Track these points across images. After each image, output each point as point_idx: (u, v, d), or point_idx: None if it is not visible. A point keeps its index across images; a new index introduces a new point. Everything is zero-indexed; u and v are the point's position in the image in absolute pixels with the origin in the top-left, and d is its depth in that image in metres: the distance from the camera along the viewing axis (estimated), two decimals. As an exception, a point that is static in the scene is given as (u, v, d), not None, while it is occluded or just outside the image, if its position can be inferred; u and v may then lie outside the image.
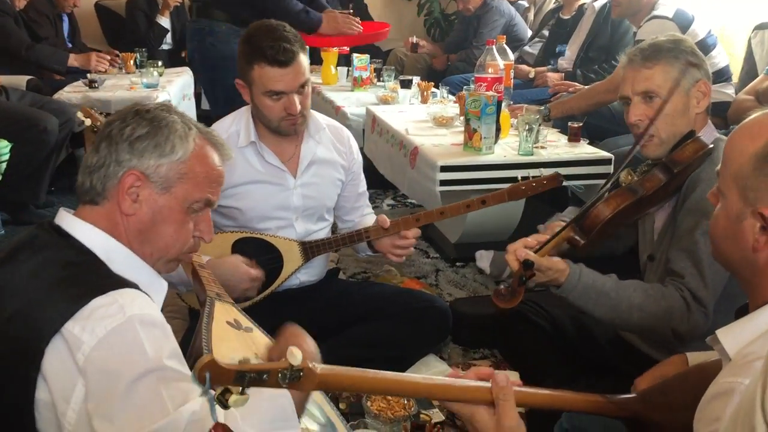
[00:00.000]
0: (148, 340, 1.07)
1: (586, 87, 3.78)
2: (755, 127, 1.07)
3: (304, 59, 2.06)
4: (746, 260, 1.04)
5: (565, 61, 4.47)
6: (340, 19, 3.35)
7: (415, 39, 5.44)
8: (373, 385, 1.08)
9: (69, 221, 1.24)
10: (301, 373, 0.95)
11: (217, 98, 3.28)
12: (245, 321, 1.61)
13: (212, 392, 0.89)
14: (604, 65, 4.18)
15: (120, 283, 1.14)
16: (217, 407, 0.91)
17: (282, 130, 2.11)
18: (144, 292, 1.17)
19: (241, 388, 0.91)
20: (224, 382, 0.90)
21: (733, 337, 1.02)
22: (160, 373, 1.06)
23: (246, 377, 0.91)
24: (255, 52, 2.01)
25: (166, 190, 1.25)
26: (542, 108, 3.40)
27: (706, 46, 3.31)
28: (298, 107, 2.06)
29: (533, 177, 2.19)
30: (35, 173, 3.69)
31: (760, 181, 1.00)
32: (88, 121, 2.18)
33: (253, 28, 2.08)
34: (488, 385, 1.08)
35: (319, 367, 0.98)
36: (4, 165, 3.48)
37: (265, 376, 0.92)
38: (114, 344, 1.05)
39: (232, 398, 0.91)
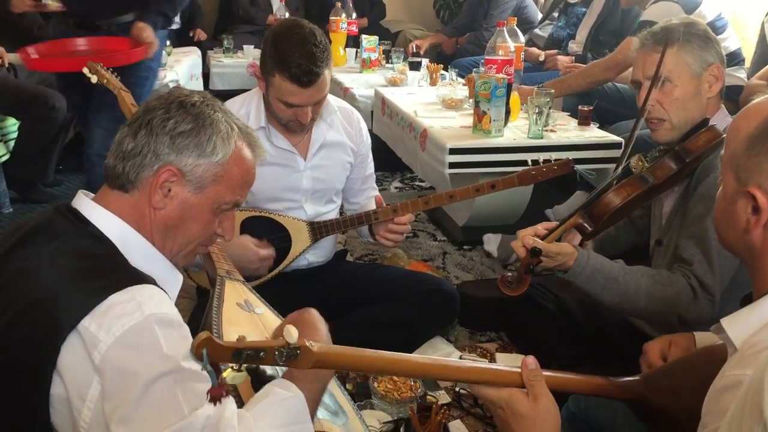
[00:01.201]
0: (166, 340, 1.05)
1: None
2: (752, 110, 1.10)
3: (327, 75, 2.01)
4: (743, 243, 1.04)
5: (576, 45, 4.44)
6: None
7: (414, 47, 5.39)
8: (371, 364, 1.07)
9: (88, 206, 1.21)
10: (298, 351, 0.96)
11: None
12: (256, 301, 1.61)
13: (210, 367, 0.90)
14: (615, 48, 4.14)
15: (138, 278, 1.12)
16: (227, 399, 0.91)
17: (290, 128, 2.12)
18: (159, 286, 1.15)
19: (238, 365, 0.91)
20: (222, 359, 0.91)
21: (738, 326, 1.01)
22: (176, 375, 1.03)
23: (243, 354, 0.91)
24: (280, 63, 1.95)
25: (199, 190, 1.23)
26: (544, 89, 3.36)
27: (714, 29, 3.26)
28: (309, 118, 2.05)
29: (544, 162, 2.18)
30: (43, 152, 3.70)
31: (752, 162, 1.00)
32: (94, 78, 2.17)
33: (288, 31, 2.00)
34: (516, 369, 1.10)
35: (316, 346, 0.98)
36: (12, 143, 3.49)
37: (262, 353, 0.92)
38: (131, 344, 1.03)
39: (230, 375, 0.91)
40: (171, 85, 4.09)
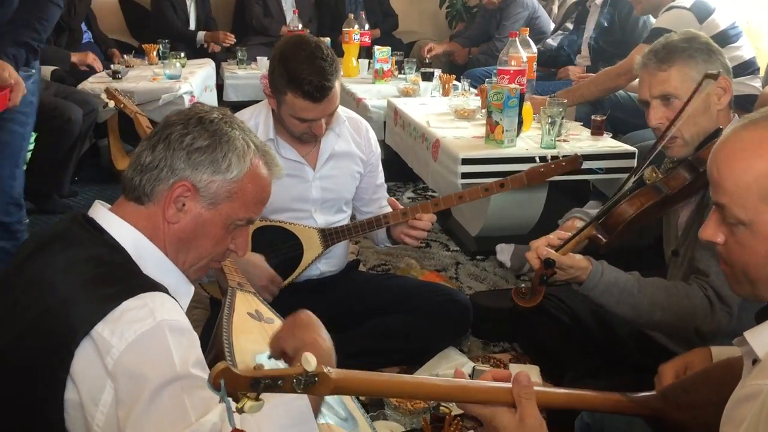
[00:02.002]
0: (176, 347, 1.07)
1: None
2: (750, 145, 1.04)
3: (338, 87, 2.02)
4: None
5: (581, 59, 4.43)
6: None
7: (427, 51, 5.42)
8: (388, 389, 1.07)
9: (104, 216, 1.23)
10: (316, 379, 0.95)
11: None
12: (267, 311, 1.61)
13: (229, 399, 0.90)
14: (617, 60, 4.12)
15: (150, 285, 1.14)
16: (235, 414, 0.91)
17: (303, 140, 2.14)
18: (171, 295, 1.17)
19: (256, 394, 0.91)
20: (239, 389, 0.91)
21: (762, 339, 1.00)
22: (184, 382, 1.05)
23: (261, 383, 0.91)
24: (291, 81, 1.96)
25: (212, 206, 1.24)
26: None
27: (728, 37, 3.26)
28: (324, 130, 2.07)
29: (552, 159, 2.17)
30: (59, 163, 3.73)
31: None
32: (111, 103, 2.19)
33: (294, 48, 2.00)
34: (507, 385, 1.07)
35: (334, 372, 0.98)
36: (29, 155, 3.52)
37: (279, 381, 0.92)
38: (143, 349, 1.05)
39: (248, 404, 0.91)
40: (185, 97, 4.12)
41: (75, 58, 4.63)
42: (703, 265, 1.69)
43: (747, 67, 3.37)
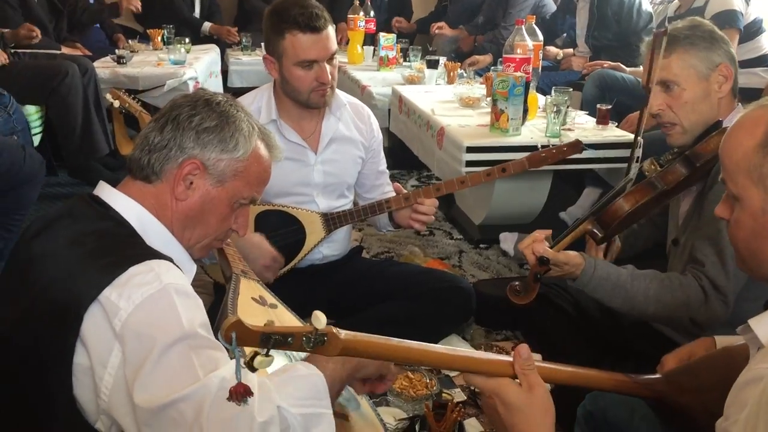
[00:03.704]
0: (183, 308, 1.10)
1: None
2: (747, 123, 1.07)
3: (332, 30, 2.07)
4: None
5: (581, 52, 4.42)
6: None
7: (436, 29, 5.41)
8: (396, 353, 1.08)
9: (109, 193, 1.27)
10: (325, 338, 0.97)
11: None
12: (270, 298, 1.62)
13: (239, 352, 0.91)
14: (624, 50, 4.12)
15: (156, 254, 1.17)
16: (244, 370, 0.93)
17: (311, 102, 2.12)
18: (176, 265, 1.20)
19: (266, 349, 0.93)
20: (250, 343, 0.92)
21: (766, 325, 1.01)
22: (192, 341, 1.08)
23: (271, 339, 0.93)
24: (286, 20, 2.01)
25: (220, 183, 1.28)
26: None
27: (758, 27, 3.28)
28: (329, 74, 2.07)
29: (553, 146, 2.18)
30: (84, 127, 3.64)
31: None
32: (116, 103, 2.20)
33: (277, 2, 2.09)
34: (510, 358, 1.08)
35: (343, 333, 0.99)
36: (37, 138, 3.49)
37: (289, 338, 0.94)
38: (150, 311, 1.07)
39: (257, 359, 0.93)
40: (190, 82, 4.11)
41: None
42: (700, 254, 1.70)
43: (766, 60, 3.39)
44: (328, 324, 0.98)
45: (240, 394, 0.93)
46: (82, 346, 1.08)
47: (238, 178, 1.30)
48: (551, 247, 1.74)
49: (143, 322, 1.07)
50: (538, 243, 1.73)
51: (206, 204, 1.29)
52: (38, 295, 1.13)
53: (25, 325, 1.13)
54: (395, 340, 1.07)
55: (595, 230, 1.76)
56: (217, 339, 0.98)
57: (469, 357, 1.11)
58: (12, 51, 3.78)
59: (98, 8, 4.95)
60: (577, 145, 2.15)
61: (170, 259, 1.19)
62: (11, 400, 1.16)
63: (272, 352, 0.95)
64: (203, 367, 1.06)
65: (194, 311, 1.12)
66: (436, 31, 5.41)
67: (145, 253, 1.16)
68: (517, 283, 1.78)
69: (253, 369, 0.94)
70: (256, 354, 0.94)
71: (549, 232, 1.80)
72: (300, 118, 2.17)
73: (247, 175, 1.31)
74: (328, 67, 2.06)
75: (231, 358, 0.95)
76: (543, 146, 2.18)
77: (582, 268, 1.72)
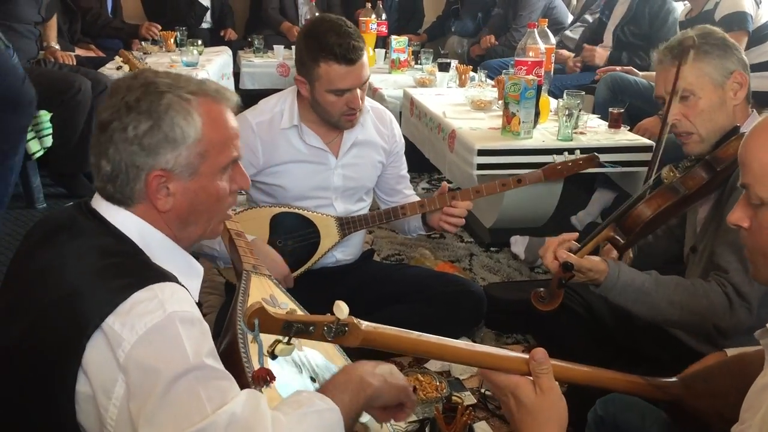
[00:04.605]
0: (188, 338, 1.05)
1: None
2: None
3: (366, 58, 2.07)
4: None
5: (603, 48, 4.39)
6: None
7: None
8: (415, 346, 1.09)
9: (105, 207, 1.22)
10: (346, 328, 0.98)
11: None
12: (281, 295, 1.62)
13: (261, 339, 0.91)
14: (646, 52, 4.10)
15: (160, 275, 1.13)
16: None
17: (340, 125, 2.14)
18: (181, 284, 1.15)
19: (287, 337, 0.93)
20: (272, 330, 0.93)
21: None
22: (198, 373, 1.04)
23: (293, 327, 0.94)
24: (323, 49, 1.99)
25: (194, 173, 1.21)
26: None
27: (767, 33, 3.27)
28: (360, 103, 2.08)
29: (568, 156, 2.17)
30: (80, 141, 3.69)
31: None
32: (126, 68, 2.19)
33: (316, 23, 2.07)
34: (515, 355, 1.09)
35: (364, 324, 1.00)
36: (47, 139, 3.53)
37: (311, 327, 0.95)
38: (154, 342, 1.04)
39: (279, 347, 0.93)
40: (202, 84, 4.13)
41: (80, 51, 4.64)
42: (723, 261, 1.68)
43: None
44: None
45: (262, 378, 0.93)
46: (84, 375, 1.05)
47: (206, 156, 1.20)
48: (574, 254, 1.73)
49: (147, 355, 1.03)
50: (562, 248, 1.72)
51: (193, 198, 1.22)
52: (41, 314, 1.09)
53: (28, 344, 1.09)
54: (415, 334, 1.08)
55: (617, 237, 1.75)
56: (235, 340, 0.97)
57: (487, 353, 1.11)
58: (40, 59, 3.87)
59: (118, 27, 5.20)
60: (594, 159, 2.15)
61: (175, 278, 1.14)
62: (18, 421, 1.13)
63: (283, 366, 0.95)
64: (211, 400, 1.02)
65: (200, 340, 1.07)
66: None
67: (148, 275, 1.11)
68: (541, 289, 1.77)
69: (274, 357, 0.95)
70: (277, 342, 0.94)
71: (575, 235, 1.79)
72: (322, 123, 2.18)
73: (212, 147, 1.21)
74: (359, 92, 2.07)
75: (252, 343, 0.94)
76: (557, 152, 2.17)
77: (606, 274, 1.70)
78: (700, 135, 1.77)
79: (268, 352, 0.94)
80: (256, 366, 0.94)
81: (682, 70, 1.75)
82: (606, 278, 1.70)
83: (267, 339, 1.03)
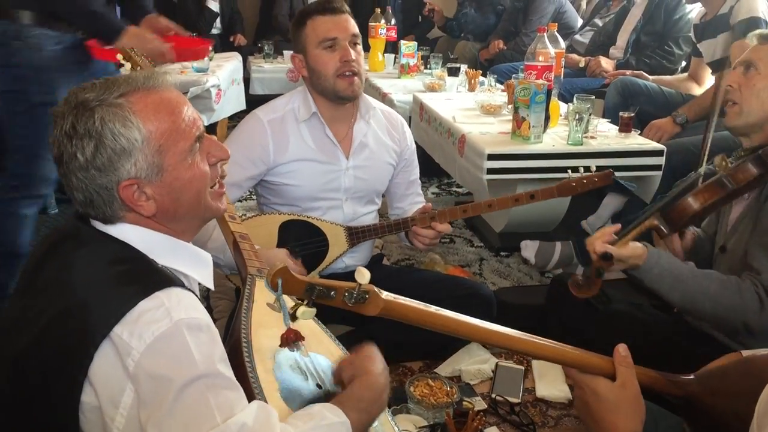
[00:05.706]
0: (196, 345, 1.06)
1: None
2: None
3: (351, 18, 2.16)
4: None
5: (616, 50, 4.39)
6: (148, 37, 2.50)
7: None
8: (432, 320, 1.10)
9: (100, 225, 1.21)
10: (367, 295, 0.99)
11: (15, 122, 2.47)
12: (287, 300, 1.61)
13: (284, 299, 0.92)
14: (658, 51, 4.09)
15: (166, 280, 1.13)
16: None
17: (339, 90, 2.12)
18: (191, 279, 1.16)
19: (309, 300, 0.94)
20: (295, 292, 0.94)
21: None
22: (208, 380, 1.04)
23: (315, 290, 0.96)
24: (306, 11, 2.14)
25: (160, 171, 1.17)
26: (679, 116, 3.21)
27: None
28: (353, 56, 2.10)
29: (584, 171, 2.17)
30: None
31: None
32: (128, 65, 2.17)
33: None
34: (596, 356, 1.14)
35: (384, 293, 1.00)
36: None
37: (332, 292, 0.96)
38: (162, 350, 1.04)
39: (300, 309, 0.94)
40: (212, 90, 4.15)
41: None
42: (756, 263, 1.70)
43: None
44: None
45: (291, 339, 0.94)
46: (90, 385, 1.05)
47: (164, 149, 1.16)
48: (614, 244, 1.76)
49: (157, 363, 1.03)
50: (601, 240, 1.75)
51: (173, 192, 1.19)
52: (48, 325, 1.09)
53: (35, 355, 1.09)
54: (433, 308, 1.09)
55: (661, 227, 1.78)
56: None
57: (509, 335, 1.17)
58: None
59: None
60: (608, 176, 2.15)
61: (181, 282, 1.14)
62: (20, 429, 1.13)
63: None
64: (220, 409, 1.02)
65: (209, 346, 1.07)
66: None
67: (155, 281, 1.11)
68: (580, 276, 1.82)
69: (294, 318, 0.96)
70: (298, 305, 0.96)
71: (617, 227, 1.82)
72: (332, 119, 2.20)
73: (166, 139, 1.16)
74: (352, 52, 2.10)
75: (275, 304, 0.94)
76: (573, 170, 2.18)
77: (644, 258, 1.74)
78: (742, 108, 1.80)
79: (290, 313, 0.95)
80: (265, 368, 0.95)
81: (761, 48, 1.80)
82: (646, 261, 1.74)
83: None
